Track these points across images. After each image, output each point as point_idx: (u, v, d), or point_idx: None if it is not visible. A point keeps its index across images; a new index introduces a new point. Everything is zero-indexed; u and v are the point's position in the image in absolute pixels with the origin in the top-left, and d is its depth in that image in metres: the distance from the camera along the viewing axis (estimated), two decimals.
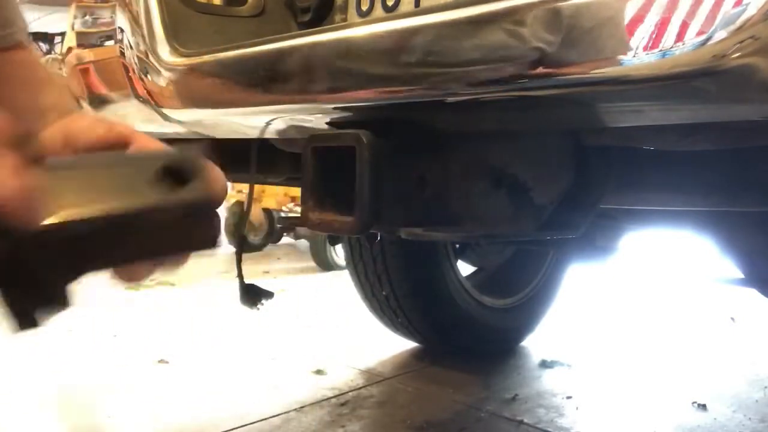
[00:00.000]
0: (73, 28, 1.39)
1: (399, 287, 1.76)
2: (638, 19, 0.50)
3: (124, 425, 1.41)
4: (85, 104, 1.18)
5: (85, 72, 1.29)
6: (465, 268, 1.90)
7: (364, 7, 0.89)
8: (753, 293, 1.39)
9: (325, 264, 3.49)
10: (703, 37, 0.47)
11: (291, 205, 4.04)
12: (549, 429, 1.40)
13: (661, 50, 0.49)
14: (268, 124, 0.89)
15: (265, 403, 1.53)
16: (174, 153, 0.44)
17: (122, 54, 1.03)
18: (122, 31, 1.02)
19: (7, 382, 1.65)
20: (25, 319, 0.39)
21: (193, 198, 0.42)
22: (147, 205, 0.41)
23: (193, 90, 0.92)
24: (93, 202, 0.38)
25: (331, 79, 0.73)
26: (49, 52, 5.51)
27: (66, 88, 0.81)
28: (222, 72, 0.86)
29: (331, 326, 2.25)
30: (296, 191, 3.29)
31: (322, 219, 0.74)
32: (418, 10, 0.78)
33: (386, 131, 0.68)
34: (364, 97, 0.72)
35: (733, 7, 0.45)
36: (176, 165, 0.42)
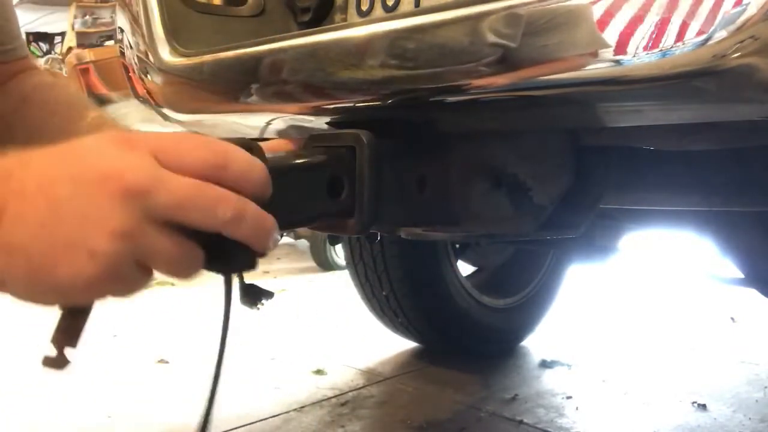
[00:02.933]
0: (73, 28, 1.39)
1: (399, 287, 1.76)
2: (638, 19, 0.50)
3: (124, 425, 1.41)
4: None
5: (85, 72, 1.29)
6: (465, 268, 1.90)
7: (364, 7, 0.89)
8: (753, 293, 1.39)
9: (325, 264, 3.49)
10: (703, 36, 0.47)
11: None
12: (549, 429, 1.40)
13: (661, 50, 0.49)
14: (268, 124, 0.89)
15: (265, 403, 1.53)
16: (331, 165, 0.61)
17: (122, 54, 1.03)
18: (122, 31, 1.02)
19: (6, 383, 1.65)
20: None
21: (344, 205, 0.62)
22: (323, 212, 0.58)
23: (193, 90, 0.92)
24: (295, 210, 0.55)
25: (331, 79, 0.73)
26: (49, 52, 5.51)
27: (92, 104, 0.86)
28: (222, 72, 0.86)
29: (331, 326, 2.24)
30: None
31: None
32: (418, 10, 0.78)
33: (386, 131, 0.68)
34: (364, 97, 0.72)
35: (733, 6, 0.45)
36: (337, 177, 0.60)
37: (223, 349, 0.61)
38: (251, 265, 0.51)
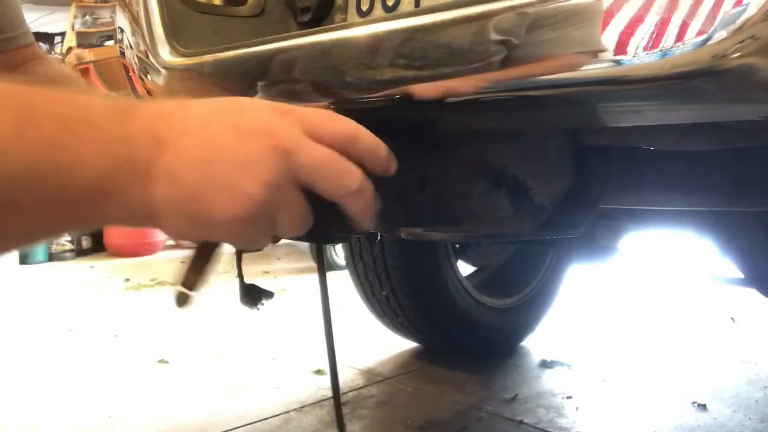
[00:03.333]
0: (73, 28, 1.39)
1: (399, 287, 1.76)
2: (638, 19, 0.50)
3: (124, 425, 1.41)
4: None
5: (85, 72, 1.29)
6: (465, 268, 1.90)
7: (364, 7, 0.89)
8: (753, 293, 1.39)
9: (325, 264, 3.49)
10: (703, 37, 0.47)
11: None
12: (549, 429, 1.40)
13: (661, 50, 0.49)
14: None
15: (265, 403, 1.53)
16: None
17: (122, 54, 1.03)
18: (122, 31, 1.02)
19: (6, 383, 1.65)
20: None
21: None
22: None
23: (193, 90, 0.92)
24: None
25: (330, 79, 0.73)
26: (49, 52, 5.51)
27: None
28: (222, 72, 0.86)
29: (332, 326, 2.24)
30: None
31: None
32: (418, 10, 0.78)
33: (386, 131, 0.68)
34: (363, 97, 0.72)
35: (733, 6, 0.46)
36: None
37: (329, 320, 0.69)
38: (346, 239, 0.57)
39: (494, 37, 0.57)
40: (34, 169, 0.39)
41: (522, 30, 0.55)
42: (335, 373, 0.66)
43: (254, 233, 0.48)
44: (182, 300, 0.57)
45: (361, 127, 0.51)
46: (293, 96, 0.78)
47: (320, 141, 0.48)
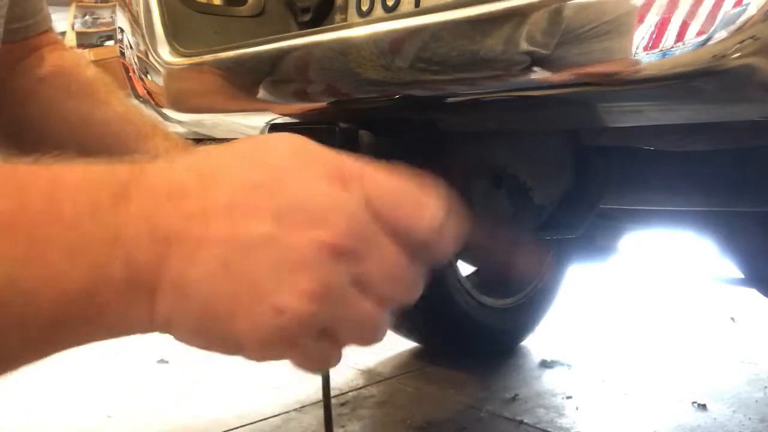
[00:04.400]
0: (73, 28, 1.39)
1: None
2: (638, 19, 0.50)
3: (124, 425, 1.41)
4: None
5: None
6: (465, 268, 1.90)
7: (364, 7, 0.89)
8: (753, 293, 1.39)
9: None
10: (704, 37, 0.47)
11: None
12: (549, 429, 1.40)
13: (661, 50, 0.49)
14: (268, 123, 0.89)
15: (265, 403, 1.53)
16: None
17: (122, 54, 1.03)
18: (122, 31, 1.02)
19: (6, 383, 1.64)
20: None
21: None
22: None
23: (194, 90, 0.92)
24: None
25: (330, 79, 0.73)
26: None
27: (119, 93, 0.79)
28: (222, 72, 0.86)
29: None
30: None
31: None
32: (418, 10, 0.78)
33: (386, 131, 0.69)
34: (364, 97, 0.72)
35: (734, 7, 0.46)
36: None
37: None
38: None
39: (494, 37, 0.57)
40: (23, 300, 0.31)
41: (522, 31, 0.55)
42: (327, 378, 0.66)
43: (305, 358, 0.36)
44: None
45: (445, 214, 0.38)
46: (293, 96, 0.78)
47: (394, 230, 0.35)
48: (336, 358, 0.37)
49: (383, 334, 0.39)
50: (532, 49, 0.55)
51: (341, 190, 0.34)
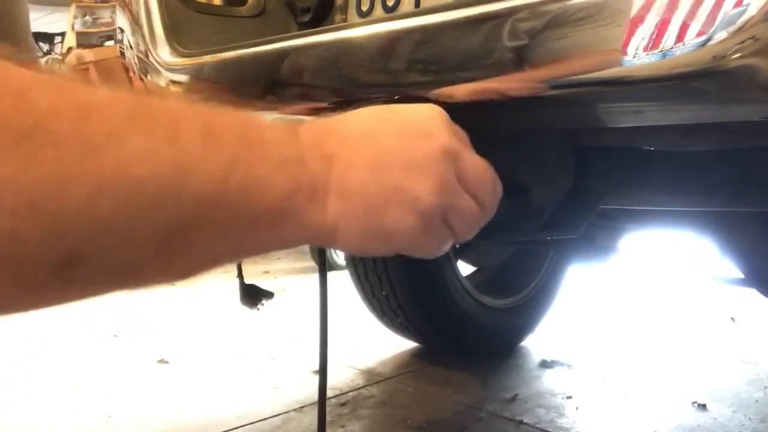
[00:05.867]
0: (73, 28, 1.39)
1: (399, 287, 1.76)
2: (638, 20, 0.50)
3: (124, 425, 1.41)
4: None
5: (85, 72, 1.29)
6: (465, 268, 1.90)
7: (364, 8, 0.89)
8: (753, 293, 1.39)
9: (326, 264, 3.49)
10: (704, 37, 0.47)
11: None
12: (549, 429, 1.40)
13: (661, 51, 0.49)
14: None
15: (265, 403, 1.53)
16: None
17: (122, 54, 1.03)
18: (122, 31, 1.02)
19: (6, 383, 1.65)
20: None
21: None
22: None
23: (194, 90, 0.92)
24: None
25: (330, 80, 0.73)
26: (49, 52, 5.51)
27: None
28: (222, 72, 0.86)
29: (331, 326, 2.24)
30: None
31: None
32: (419, 10, 0.78)
33: None
34: (364, 97, 0.72)
35: (734, 7, 0.46)
36: None
37: (325, 323, 0.72)
38: None
39: (495, 38, 0.57)
40: (220, 189, 0.37)
41: (523, 31, 0.55)
42: (324, 377, 0.66)
43: (432, 240, 0.48)
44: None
45: None
46: (293, 96, 0.78)
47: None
48: (449, 244, 0.50)
49: (476, 229, 0.51)
50: (532, 48, 0.55)
51: (440, 119, 0.48)
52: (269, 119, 0.45)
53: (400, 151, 0.45)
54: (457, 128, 0.50)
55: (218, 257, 0.41)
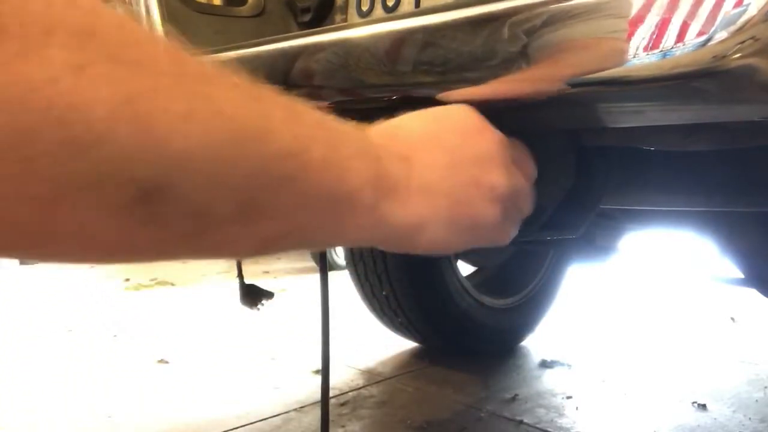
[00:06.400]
0: None
1: (399, 287, 1.76)
2: (638, 20, 0.50)
3: (124, 425, 1.41)
4: None
5: None
6: (465, 268, 1.90)
7: (365, 8, 0.89)
8: (753, 293, 1.39)
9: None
10: (704, 37, 0.47)
11: None
12: (549, 429, 1.40)
13: (661, 51, 0.49)
14: None
15: (265, 403, 1.53)
16: None
17: None
18: None
19: (6, 383, 1.65)
20: None
21: None
22: None
23: None
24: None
25: (330, 80, 0.73)
26: None
27: None
28: None
29: (331, 326, 2.24)
30: None
31: None
32: (419, 10, 0.78)
33: None
34: (364, 97, 0.72)
35: (734, 7, 0.45)
36: None
37: (327, 324, 0.76)
38: None
39: (495, 38, 0.57)
40: (302, 156, 0.37)
41: (524, 32, 0.55)
42: (326, 378, 0.67)
43: (508, 224, 0.52)
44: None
45: None
46: (293, 96, 0.78)
47: None
48: (518, 225, 0.55)
49: (531, 206, 0.55)
50: (533, 48, 0.55)
51: (478, 115, 0.52)
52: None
53: (466, 148, 0.48)
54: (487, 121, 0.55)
55: (293, 234, 0.40)
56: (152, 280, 3.16)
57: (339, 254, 3.29)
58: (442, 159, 0.47)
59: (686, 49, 0.48)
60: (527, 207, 0.55)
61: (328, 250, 3.45)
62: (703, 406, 1.53)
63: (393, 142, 0.46)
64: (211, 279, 3.21)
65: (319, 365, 1.76)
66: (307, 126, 0.39)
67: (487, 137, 0.50)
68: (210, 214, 0.34)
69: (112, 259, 0.34)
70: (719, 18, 0.46)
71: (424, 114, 0.51)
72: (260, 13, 1.01)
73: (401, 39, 0.64)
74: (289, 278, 3.30)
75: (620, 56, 0.51)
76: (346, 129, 0.43)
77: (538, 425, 1.42)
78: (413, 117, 0.50)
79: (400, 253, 0.50)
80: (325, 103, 0.76)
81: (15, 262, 3.79)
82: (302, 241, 0.42)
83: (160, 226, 0.32)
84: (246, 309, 1.04)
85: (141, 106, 0.29)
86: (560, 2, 0.53)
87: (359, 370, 1.79)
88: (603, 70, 0.52)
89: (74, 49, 0.27)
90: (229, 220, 0.35)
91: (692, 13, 0.47)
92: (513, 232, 0.54)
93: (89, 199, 0.29)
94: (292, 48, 0.76)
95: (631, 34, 0.50)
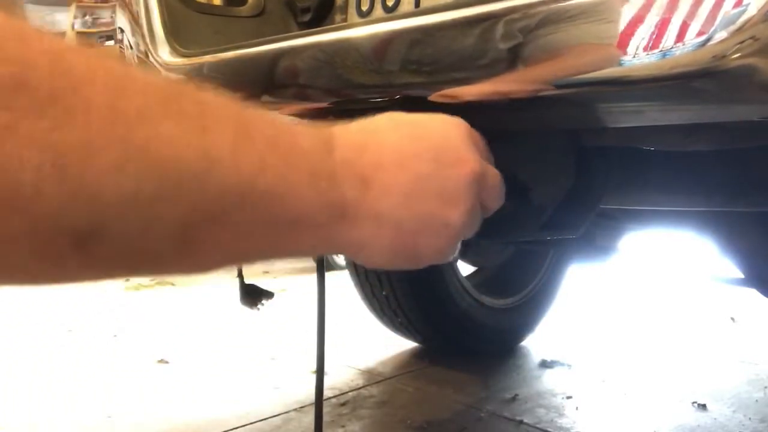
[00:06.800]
0: (73, 28, 1.39)
1: (399, 287, 1.76)
2: (638, 20, 0.50)
3: (124, 425, 1.41)
4: None
5: None
6: (465, 268, 1.90)
7: (364, 8, 0.89)
8: (753, 293, 1.39)
9: (325, 264, 3.49)
10: (704, 37, 0.47)
11: None
12: (549, 429, 1.40)
13: (661, 50, 0.49)
14: None
15: (265, 403, 1.53)
16: None
17: (122, 54, 1.03)
18: (122, 31, 1.02)
19: (6, 383, 1.65)
20: None
21: None
22: None
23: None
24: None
25: (330, 80, 0.73)
26: None
27: None
28: (222, 72, 0.86)
29: (331, 326, 2.24)
30: None
31: None
32: (418, 10, 0.78)
33: None
34: (363, 97, 0.72)
35: (734, 7, 0.46)
36: None
37: (323, 324, 0.75)
38: None
39: (495, 38, 0.57)
40: (246, 188, 0.37)
41: (523, 31, 0.55)
42: (321, 379, 0.67)
43: (450, 251, 0.51)
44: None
45: None
46: (293, 96, 0.78)
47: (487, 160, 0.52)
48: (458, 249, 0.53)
49: (503, 197, 0.54)
50: (533, 48, 0.55)
51: (468, 138, 0.50)
52: (302, 126, 0.45)
53: (434, 179, 0.46)
54: (478, 137, 0.52)
55: (235, 257, 0.42)
56: (152, 280, 3.16)
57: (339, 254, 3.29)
58: (403, 186, 0.45)
59: (686, 49, 0.48)
60: (472, 232, 0.53)
61: None
62: (703, 406, 1.53)
63: (357, 158, 0.45)
64: (211, 279, 3.21)
65: None
66: (256, 152, 0.38)
67: (460, 171, 0.47)
68: (147, 251, 0.34)
69: (51, 284, 0.35)
70: (719, 18, 0.46)
71: (405, 126, 0.49)
72: (260, 13, 1.01)
73: (401, 39, 0.65)
74: (289, 278, 3.30)
75: (619, 57, 0.51)
76: (303, 147, 0.42)
77: (538, 425, 1.42)
78: (392, 126, 0.48)
79: None
80: (325, 103, 0.76)
81: None
82: (248, 260, 0.43)
83: (96, 266, 0.33)
84: (246, 309, 1.04)
85: (70, 162, 0.29)
86: (561, 1, 0.53)
87: (359, 370, 1.79)
88: (602, 69, 0.52)
89: (2, 107, 0.27)
90: (166, 255, 0.35)
91: (692, 13, 0.47)
92: (451, 255, 0.53)
93: (23, 248, 0.29)
94: (292, 48, 0.76)
95: (630, 34, 0.50)
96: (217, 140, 0.36)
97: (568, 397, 1.59)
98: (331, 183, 0.42)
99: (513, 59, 0.57)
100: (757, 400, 1.58)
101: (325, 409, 1.49)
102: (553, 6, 0.53)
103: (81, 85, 0.30)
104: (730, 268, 1.35)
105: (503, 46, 0.57)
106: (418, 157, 0.46)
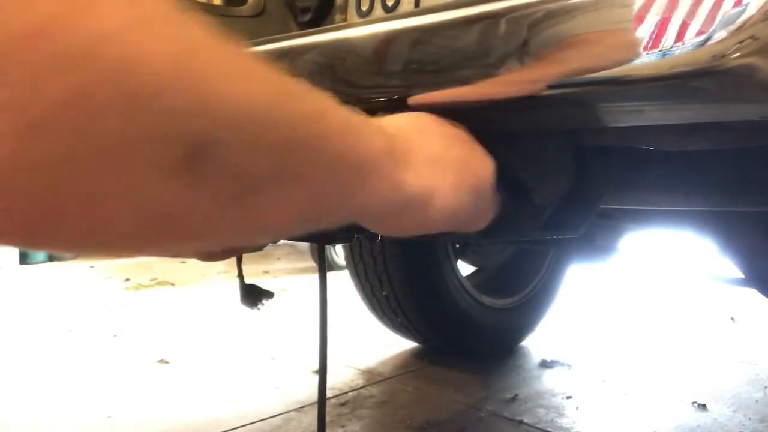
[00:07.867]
0: None
1: (399, 287, 1.76)
2: (638, 19, 0.50)
3: (124, 425, 1.41)
4: None
5: None
6: (465, 268, 1.90)
7: (364, 7, 0.89)
8: (753, 293, 1.39)
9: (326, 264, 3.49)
10: (703, 37, 0.47)
11: None
12: (549, 429, 1.40)
13: (661, 50, 0.49)
14: None
15: (265, 403, 1.53)
16: None
17: None
18: None
19: (6, 383, 1.65)
20: None
21: None
22: None
23: None
24: None
25: (330, 80, 0.73)
26: None
27: None
28: None
29: (332, 326, 2.24)
30: None
31: None
32: (418, 10, 0.78)
33: None
34: (363, 97, 0.72)
35: (733, 7, 0.46)
36: None
37: (325, 325, 0.80)
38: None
39: (495, 38, 0.57)
40: (320, 118, 0.39)
41: (523, 30, 0.55)
42: (324, 379, 0.68)
43: (488, 208, 0.59)
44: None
45: None
46: None
47: None
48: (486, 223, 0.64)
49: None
50: (533, 47, 0.55)
51: (451, 125, 0.58)
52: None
53: (451, 140, 0.55)
54: (448, 125, 0.58)
55: (320, 200, 0.42)
56: (152, 280, 3.16)
57: (339, 254, 3.30)
58: (437, 139, 0.53)
59: (685, 49, 0.48)
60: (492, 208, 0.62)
61: (328, 249, 3.45)
62: (703, 406, 1.53)
63: (394, 129, 0.50)
64: (211, 279, 3.21)
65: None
66: (320, 95, 0.41)
67: (464, 138, 0.57)
68: (248, 175, 0.34)
69: (151, 236, 0.34)
70: (718, 17, 0.46)
71: (397, 116, 0.55)
72: (260, 13, 1.01)
73: (401, 39, 0.65)
74: (289, 278, 3.30)
75: (623, 55, 0.51)
76: (382, 134, 0.47)
77: (538, 425, 1.42)
78: (390, 117, 0.54)
79: (411, 234, 0.53)
80: None
81: (15, 261, 3.79)
82: (328, 209, 0.44)
83: (204, 188, 0.33)
84: (246, 309, 1.04)
85: (200, 61, 0.30)
86: (561, 1, 0.53)
87: (359, 370, 1.79)
88: (607, 68, 0.52)
89: (131, 4, 0.28)
90: (265, 183, 0.36)
91: (691, 13, 0.47)
92: (483, 222, 0.61)
93: (138, 158, 0.29)
94: (291, 48, 0.76)
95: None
96: (284, 79, 0.38)
97: (568, 397, 1.59)
98: (386, 137, 0.46)
99: (513, 59, 0.57)
100: (757, 400, 1.59)
101: (325, 409, 1.49)
102: (553, 6, 0.53)
103: (189, 10, 0.33)
104: (730, 268, 1.35)
105: (503, 45, 0.57)
106: (434, 133, 0.54)
